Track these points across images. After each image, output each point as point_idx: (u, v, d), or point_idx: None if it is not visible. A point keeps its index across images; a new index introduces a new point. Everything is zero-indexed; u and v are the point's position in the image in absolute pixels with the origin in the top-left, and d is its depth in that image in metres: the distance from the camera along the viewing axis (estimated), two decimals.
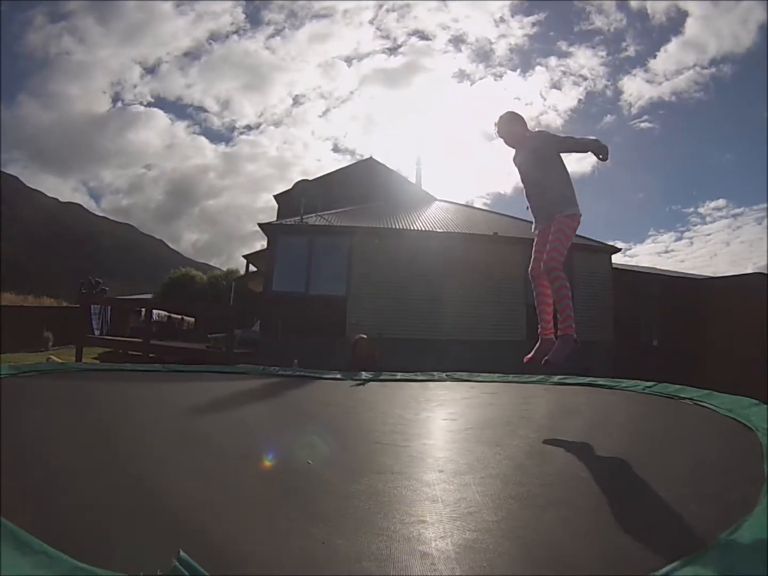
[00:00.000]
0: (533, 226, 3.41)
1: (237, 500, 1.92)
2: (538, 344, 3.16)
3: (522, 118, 3.49)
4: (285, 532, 1.67)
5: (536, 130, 3.46)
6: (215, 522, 1.71)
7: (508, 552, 1.51)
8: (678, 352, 13.87)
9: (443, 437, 3.00)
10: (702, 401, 3.21)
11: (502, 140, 3.52)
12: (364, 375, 5.08)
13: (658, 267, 24.74)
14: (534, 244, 3.31)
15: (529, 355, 3.14)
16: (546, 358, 3.02)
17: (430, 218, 18.30)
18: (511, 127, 3.45)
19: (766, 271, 15.25)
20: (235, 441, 2.86)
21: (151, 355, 12.72)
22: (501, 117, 3.50)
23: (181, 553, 1.12)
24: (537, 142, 3.33)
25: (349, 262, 14.20)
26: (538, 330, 3.24)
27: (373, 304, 13.23)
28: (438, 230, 15.99)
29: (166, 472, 2.21)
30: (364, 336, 6.75)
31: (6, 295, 24.38)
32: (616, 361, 13.99)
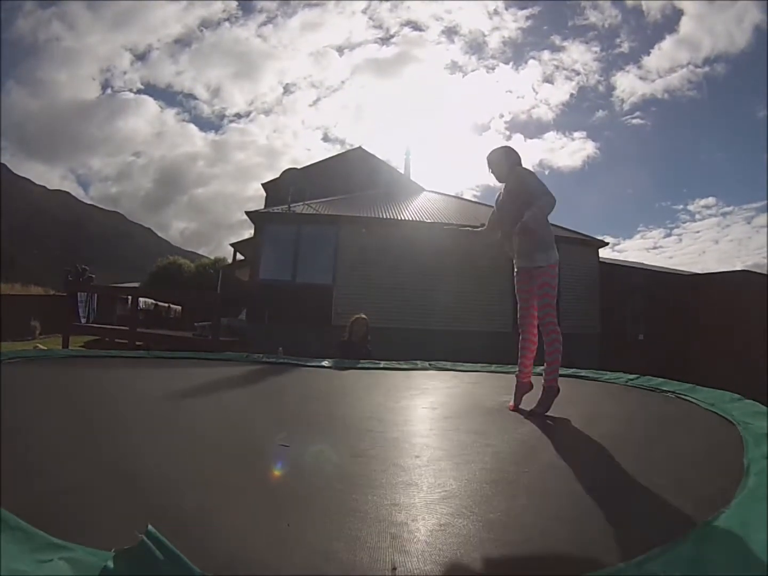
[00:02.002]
0: (514, 270, 3.40)
1: (212, 481, 1.91)
2: (516, 389, 3.24)
3: (511, 156, 3.44)
4: (258, 512, 1.66)
5: (522, 167, 3.41)
6: (190, 502, 1.70)
7: (478, 535, 1.51)
8: (664, 347, 13.93)
9: (422, 425, 3.00)
10: (685, 395, 3.23)
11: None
12: (347, 363, 5.08)
13: (646, 263, 24.84)
14: (516, 291, 3.36)
15: (512, 404, 3.20)
16: (533, 409, 3.06)
17: (418, 208, 18.22)
18: (497, 166, 3.43)
19: (753, 269, 15.39)
20: (214, 425, 2.85)
21: (137, 343, 12.66)
22: (491, 152, 3.47)
23: (150, 527, 1.11)
24: (514, 183, 3.32)
25: (336, 251, 14.10)
26: (516, 373, 3.31)
27: (359, 293, 13.18)
28: (426, 220, 15.95)
29: (144, 454, 2.20)
30: (364, 317, 6.68)
31: None
32: (601, 355, 14.06)
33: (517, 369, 3.35)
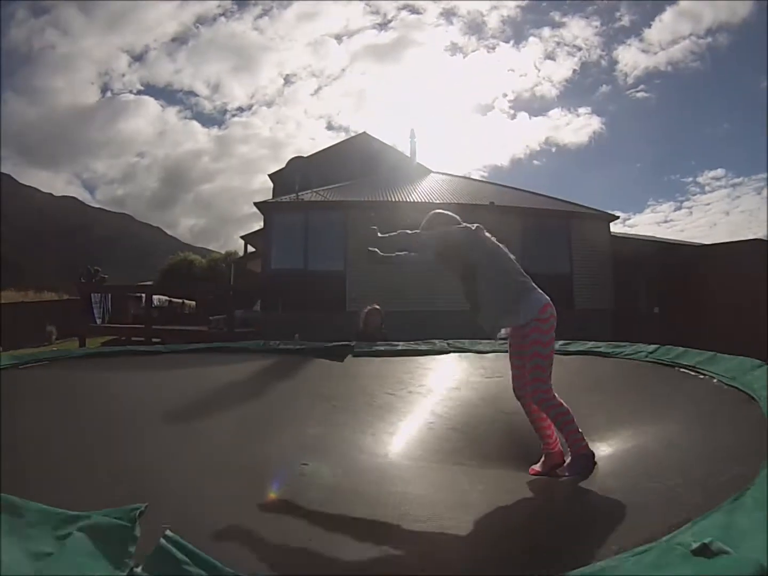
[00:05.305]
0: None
1: (230, 468, 1.92)
2: (543, 459, 2.59)
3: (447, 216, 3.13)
4: (269, 505, 1.67)
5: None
6: (211, 495, 1.71)
7: (488, 503, 1.51)
8: (679, 319, 13.83)
9: (442, 405, 2.99)
10: (705, 368, 3.16)
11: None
12: (366, 346, 5.06)
13: (658, 236, 24.58)
14: (509, 356, 2.78)
15: (536, 468, 2.56)
16: (560, 470, 2.48)
17: (426, 190, 18.14)
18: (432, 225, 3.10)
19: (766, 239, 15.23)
20: (233, 412, 2.86)
21: (154, 340, 12.74)
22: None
23: (168, 531, 1.15)
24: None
25: (346, 237, 14.07)
26: (541, 447, 2.63)
27: (371, 277, 13.12)
28: (435, 201, 15.87)
29: (165, 448, 2.22)
30: (377, 307, 6.67)
31: (6, 292, 24.23)
32: (615, 330, 13.97)
33: (541, 441, 2.68)
